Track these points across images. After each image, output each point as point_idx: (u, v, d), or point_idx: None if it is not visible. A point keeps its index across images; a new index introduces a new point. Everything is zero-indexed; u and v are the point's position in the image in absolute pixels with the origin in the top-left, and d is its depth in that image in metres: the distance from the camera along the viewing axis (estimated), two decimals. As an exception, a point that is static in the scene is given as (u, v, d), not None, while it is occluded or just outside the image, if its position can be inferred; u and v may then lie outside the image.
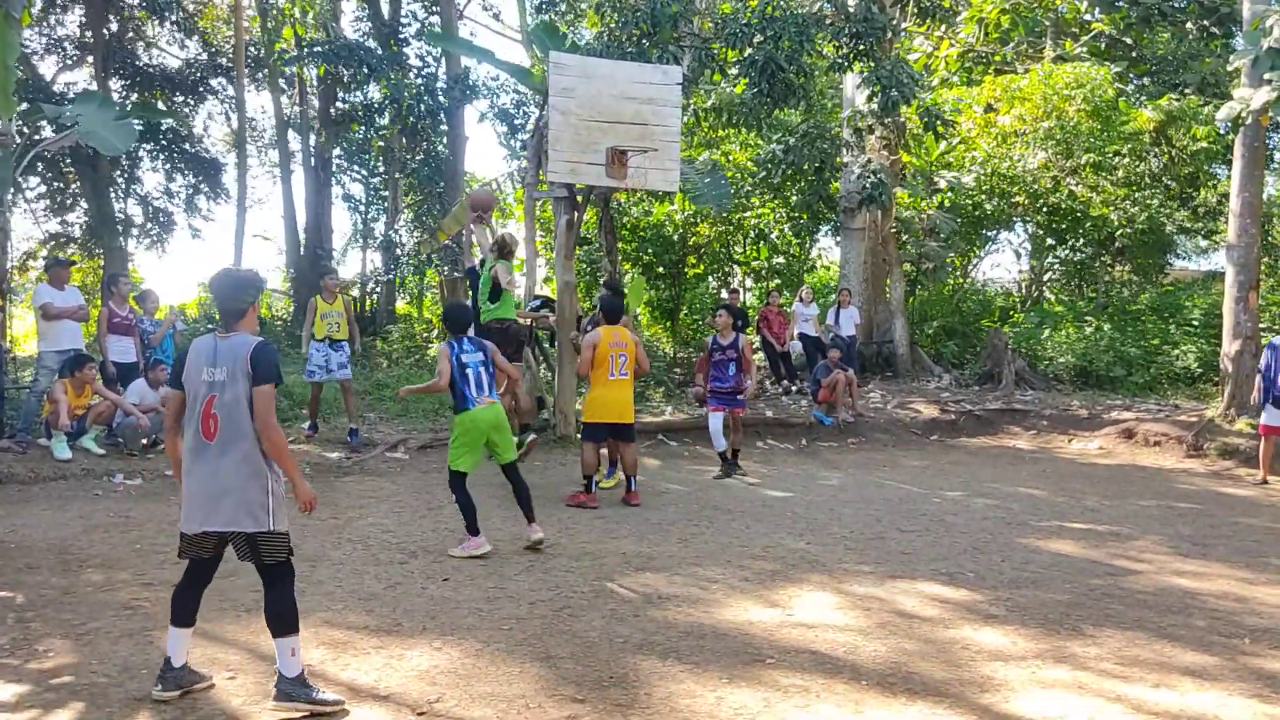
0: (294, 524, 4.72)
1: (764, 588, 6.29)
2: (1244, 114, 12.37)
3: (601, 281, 13.42)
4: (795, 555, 7.16)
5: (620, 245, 17.44)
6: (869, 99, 14.39)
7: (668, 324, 19.51)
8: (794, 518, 8.54)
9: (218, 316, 4.47)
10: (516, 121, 19.20)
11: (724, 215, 17.83)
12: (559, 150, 11.02)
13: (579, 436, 11.91)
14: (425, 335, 18.65)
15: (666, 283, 19.15)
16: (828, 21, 13.75)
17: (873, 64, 13.72)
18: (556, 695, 4.47)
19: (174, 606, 4.38)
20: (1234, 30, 19.65)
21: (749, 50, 13.21)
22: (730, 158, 19.29)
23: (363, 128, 20.71)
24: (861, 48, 13.48)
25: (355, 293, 21.22)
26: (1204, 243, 21.60)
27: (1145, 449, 12.94)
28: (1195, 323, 16.89)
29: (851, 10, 13.61)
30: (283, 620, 4.30)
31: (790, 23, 12.99)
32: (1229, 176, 14.84)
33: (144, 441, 10.17)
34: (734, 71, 13.84)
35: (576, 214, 12.17)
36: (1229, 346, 13.37)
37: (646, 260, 18.80)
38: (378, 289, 21.71)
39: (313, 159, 20.77)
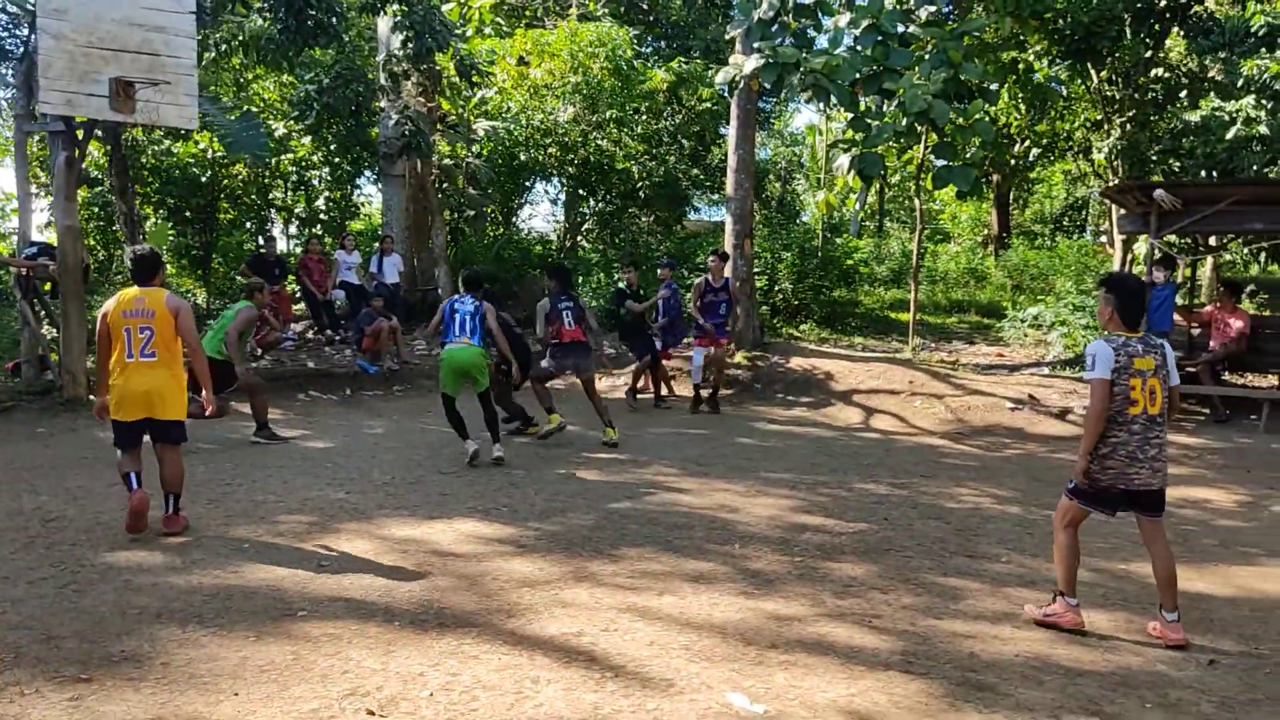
0: None
1: (299, 541, 6.16)
2: (738, 79, 13.85)
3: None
4: (334, 506, 7.08)
5: (139, 188, 15.90)
6: (404, 44, 14.25)
7: (199, 273, 18.18)
8: (334, 468, 8.43)
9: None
10: (7, 45, 16.62)
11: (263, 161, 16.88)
12: (52, 79, 9.79)
13: (90, 399, 10.85)
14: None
15: (196, 229, 17.78)
16: (358, -40, 13.41)
17: (406, 8, 13.61)
18: (57, 678, 4.08)
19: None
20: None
21: (274, -17, 12.55)
22: (265, 98, 18.21)
23: None
24: (395, -10, 13.33)
25: None
26: (715, 196, 24.07)
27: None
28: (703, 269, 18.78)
29: (383, -49, 13.38)
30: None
31: (316, -43, 12.51)
32: (731, 136, 16.50)
33: None
34: (260, 5, 13.04)
35: (78, 150, 10.90)
36: (729, 288, 15.02)
37: (171, 204, 17.31)
38: None
39: None
